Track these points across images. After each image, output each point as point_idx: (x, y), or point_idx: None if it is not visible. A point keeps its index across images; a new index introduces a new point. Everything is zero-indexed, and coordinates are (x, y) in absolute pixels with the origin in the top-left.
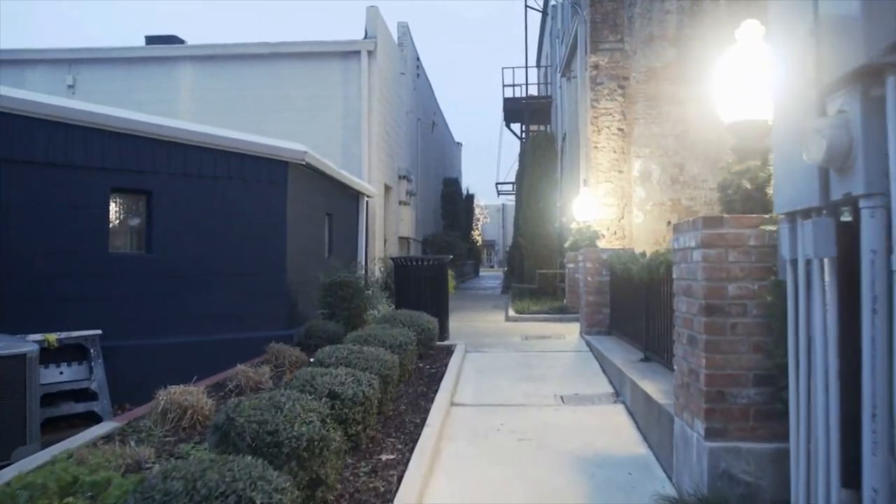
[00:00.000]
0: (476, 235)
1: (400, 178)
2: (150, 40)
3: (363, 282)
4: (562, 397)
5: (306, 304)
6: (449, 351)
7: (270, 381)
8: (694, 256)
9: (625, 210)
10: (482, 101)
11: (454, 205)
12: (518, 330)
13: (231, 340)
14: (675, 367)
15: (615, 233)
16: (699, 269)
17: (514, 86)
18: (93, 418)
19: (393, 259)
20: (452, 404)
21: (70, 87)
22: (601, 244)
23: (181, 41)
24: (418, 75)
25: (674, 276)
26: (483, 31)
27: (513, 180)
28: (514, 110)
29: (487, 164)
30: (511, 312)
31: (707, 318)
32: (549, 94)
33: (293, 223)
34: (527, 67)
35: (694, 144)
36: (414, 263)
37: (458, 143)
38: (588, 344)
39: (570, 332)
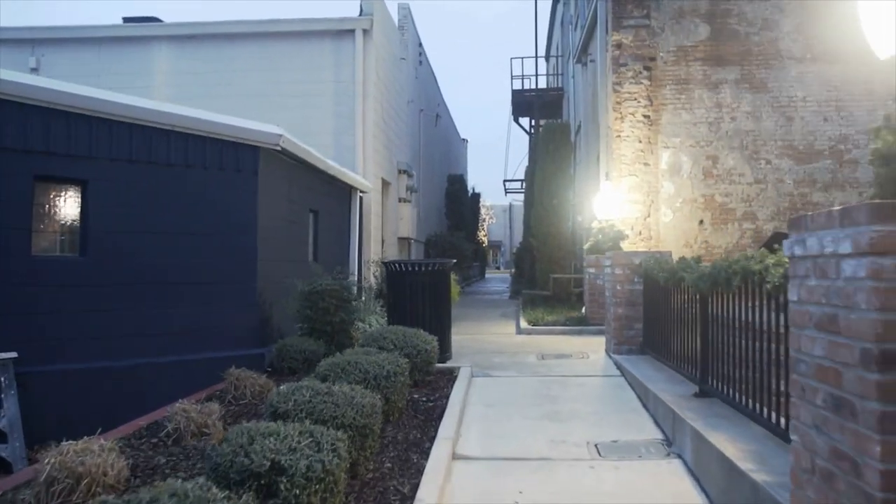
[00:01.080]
0: (482, 236)
1: (400, 172)
2: (128, 21)
3: (354, 290)
4: (597, 446)
5: (283, 317)
6: (451, 376)
7: (220, 422)
8: (847, 269)
9: (651, 207)
10: (488, 102)
11: (459, 203)
12: (532, 346)
13: (187, 363)
14: (796, 439)
15: (640, 233)
16: (863, 292)
17: (522, 77)
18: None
19: (385, 264)
20: (454, 457)
21: (33, 69)
22: (624, 246)
23: (160, 21)
24: (420, 62)
25: (791, 297)
26: (490, 32)
27: (521, 177)
28: (523, 103)
29: (493, 164)
30: (523, 323)
31: (882, 374)
32: (560, 85)
33: (266, 221)
34: (536, 57)
35: (730, 133)
36: (410, 269)
37: (463, 139)
38: (618, 366)
39: (593, 348)
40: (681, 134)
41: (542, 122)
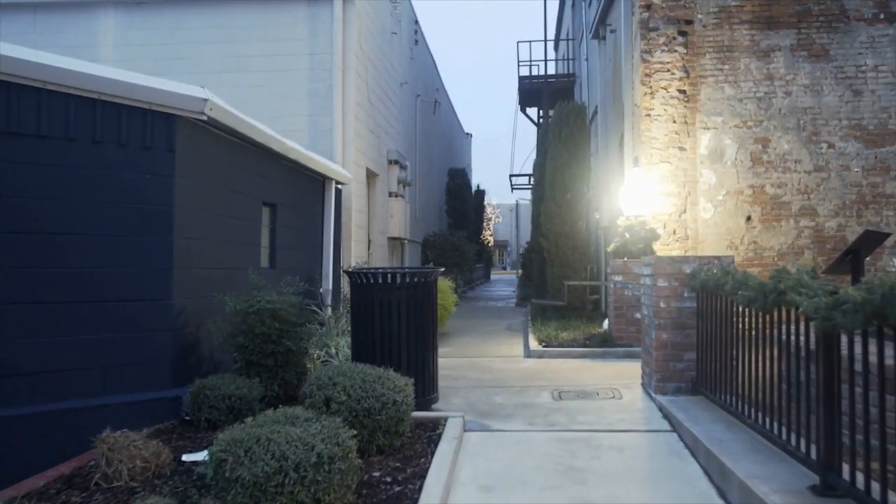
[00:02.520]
0: (488, 235)
1: (390, 163)
2: None
3: (317, 305)
4: None
5: (221, 343)
6: (434, 433)
7: None
8: None
9: (688, 201)
10: (493, 99)
11: (461, 200)
12: (545, 376)
13: (55, 416)
14: None
15: (674, 232)
16: None
17: (530, 63)
18: None
19: (348, 274)
20: None
21: None
22: (656, 248)
23: None
24: (416, 42)
25: None
26: (494, 23)
27: (529, 172)
28: (532, 91)
29: (499, 163)
30: (533, 343)
31: None
32: (571, 71)
33: (190, 215)
34: (545, 40)
35: (783, 111)
36: (380, 282)
37: (467, 134)
38: (666, 414)
39: (624, 381)
40: (724, 112)
41: (552, 111)
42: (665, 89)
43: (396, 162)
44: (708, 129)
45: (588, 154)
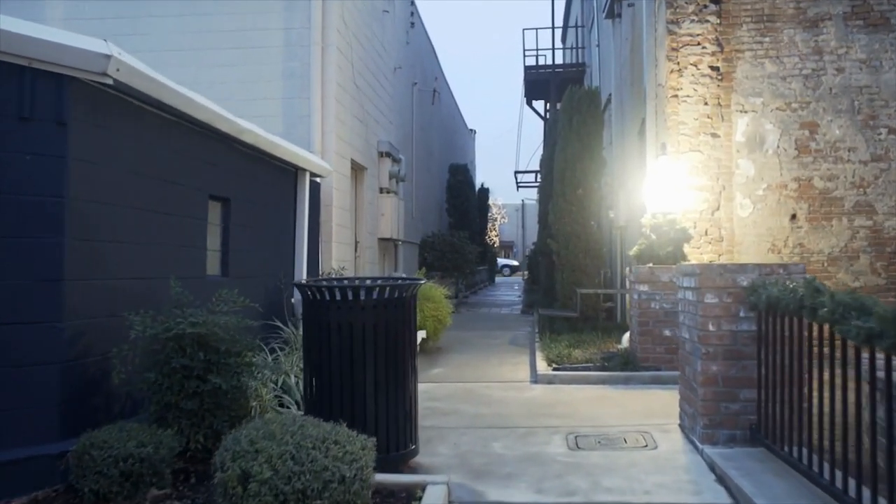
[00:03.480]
0: (493, 236)
1: (381, 155)
2: None
3: (283, 319)
4: None
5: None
6: None
7: None
8: None
9: (722, 196)
10: (498, 97)
11: (463, 198)
12: (557, 410)
13: None
14: None
15: (706, 232)
16: None
17: (537, 53)
18: None
19: (298, 287)
20: None
21: None
22: (687, 252)
23: None
24: (412, 25)
25: None
26: (498, 16)
27: (535, 168)
28: (538, 82)
29: (503, 162)
30: (541, 364)
31: None
32: (581, 60)
33: (92, 210)
34: (553, 28)
35: (835, 90)
36: (339, 300)
37: (471, 130)
38: (721, 479)
39: (656, 419)
40: (764, 92)
41: (560, 104)
42: (695, 66)
43: (388, 154)
44: (745, 112)
45: (601, 145)
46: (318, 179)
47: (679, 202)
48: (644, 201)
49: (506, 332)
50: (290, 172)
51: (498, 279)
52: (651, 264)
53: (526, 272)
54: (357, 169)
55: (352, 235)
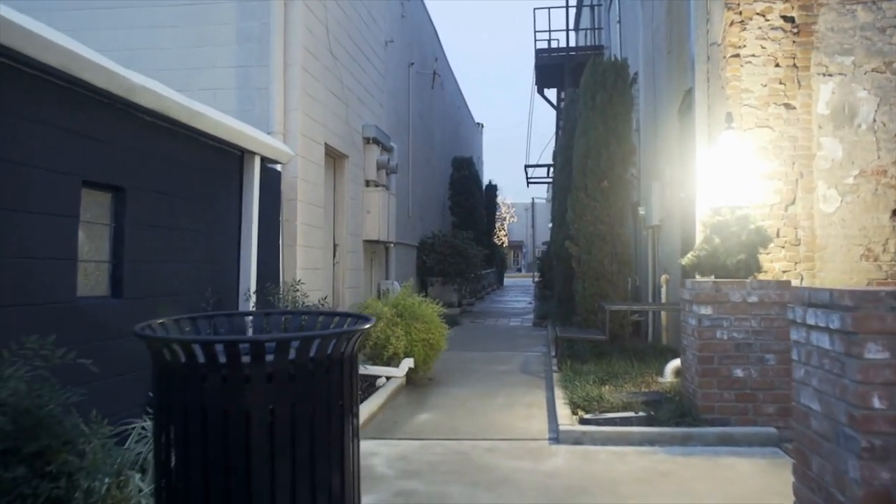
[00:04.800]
0: (502, 236)
1: (368, 141)
2: None
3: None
4: None
5: None
6: None
7: None
8: None
9: (799, 185)
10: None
11: (468, 195)
12: (593, 501)
13: None
14: None
15: (778, 233)
16: None
17: (549, 35)
18: None
19: (139, 336)
20: None
21: None
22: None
23: None
24: None
25: None
26: (502, 20)
27: (547, 162)
28: (551, 67)
29: (512, 160)
30: (563, 412)
31: None
32: (598, 42)
33: None
34: (567, 7)
35: None
36: (207, 368)
37: (478, 123)
38: None
39: None
40: (855, 49)
41: (575, 88)
42: (762, 16)
43: (376, 141)
44: (830, 75)
45: (630, 128)
46: (277, 167)
47: (741, 195)
48: (693, 193)
49: (515, 354)
50: (231, 156)
51: (507, 281)
52: (714, 277)
53: (537, 273)
54: (335, 157)
55: (327, 237)
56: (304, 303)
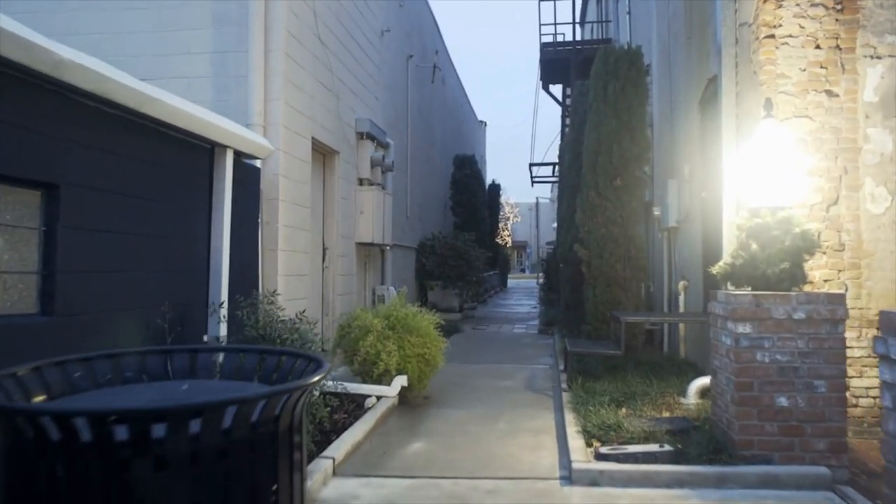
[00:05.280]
0: (505, 236)
1: (361, 137)
2: None
3: None
4: None
5: None
6: None
7: None
8: None
9: (843, 183)
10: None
11: (470, 194)
12: None
13: None
14: None
15: (819, 236)
16: None
17: (555, 29)
18: None
19: None
20: None
21: None
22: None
23: None
24: None
25: None
26: (508, 17)
27: (553, 161)
28: (556, 62)
29: (515, 160)
30: (576, 444)
31: None
32: (607, 36)
33: None
34: None
35: None
36: (62, 448)
37: (481, 121)
38: None
39: None
40: None
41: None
42: None
43: (371, 137)
44: (879, 57)
45: (645, 122)
46: (256, 163)
47: (782, 192)
48: (718, 192)
49: (520, 367)
50: (199, 150)
51: (511, 283)
52: (750, 288)
53: (540, 274)
54: (324, 153)
55: (315, 240)
56: (278, 317)
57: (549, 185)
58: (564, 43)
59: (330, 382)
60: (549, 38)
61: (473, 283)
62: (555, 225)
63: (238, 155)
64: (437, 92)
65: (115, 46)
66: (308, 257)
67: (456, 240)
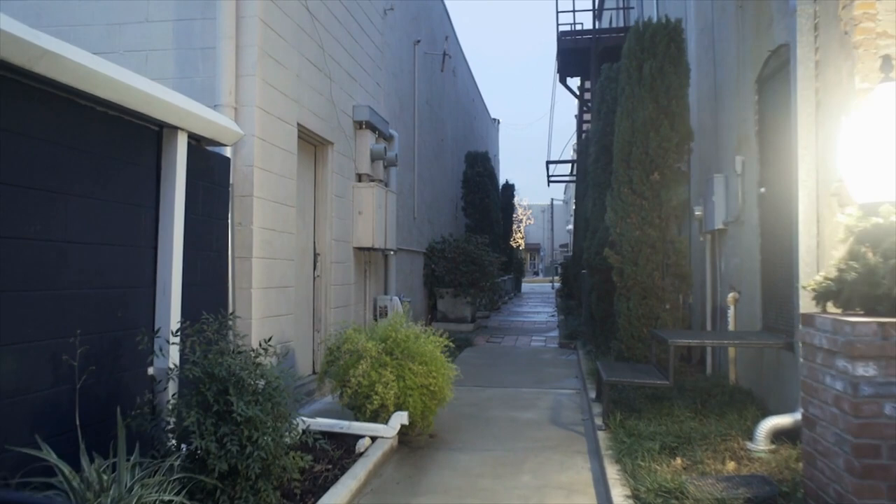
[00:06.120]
0: (518, 238)
1: (360, 126)
2: None
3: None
4: None
5: None
6: None
7: None
8: None
9: None
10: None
11: (483, 194)
12: None
13: None
14: None
15: None
16: None
17: (574, 13)
18: None
19: None
20: None
21: None
22: None
23: None
24: None
25: None
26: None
27: (571, 158)
28: (574, 53)
29: (527, 161)
30: None
31: None
32: (627, 24)
33: None
34: None
35: None
36: None
37: (494, 119)
38: None
39: None
40: None
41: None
42: None
43: (371, 126)
44: None
45: (687, 107)
46: (225, 152)
47: (875, 188)
48: (788, 186)
49: (542, 392)
50: (140, 131)
51: (525, 287)
52: (863, 312)
53: (556, 278)
54: (315, 143)
55: (305, 244)
56: (236, 348)
57: (563, 185)
58: (583, 31)
59: (313, 420)
60: (567, 28)
61: (487, 291)
62: (569, 227)
63: (198, 141)
64: (447, 83)
65: (64, 14)
66: (293, 265)
67: (468, 243)
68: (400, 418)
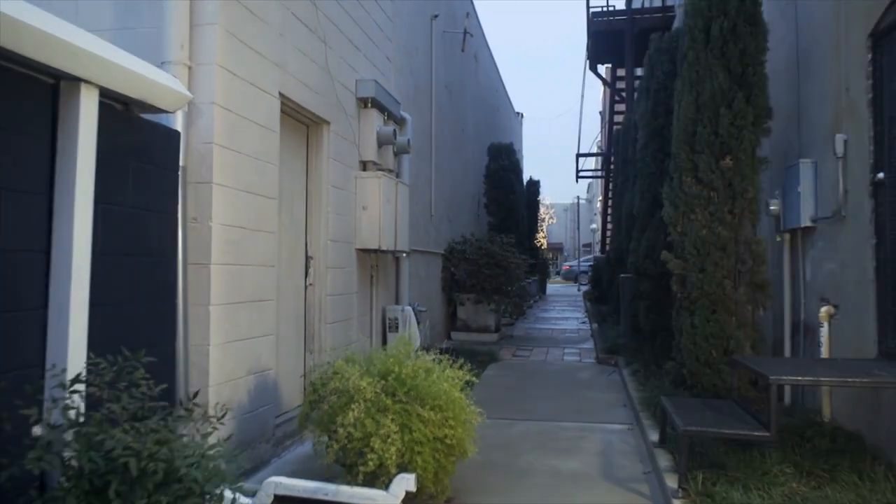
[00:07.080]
0: (541, 237)
1: (365, 104)
2: None
3: None
4: None
5: None
6: None
7: None
8: None
9: None
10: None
11: (508, 190)
12: None
13: None
14: None
15: None
16: None
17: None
18: None
19: None
20: None
21: None
22: None
23: None
24: None
25: None
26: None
27: (597, 151)
28: (607, 35)
29: (548, 157)
30: None
31: None
32: (668, 3)
33: None
34: None
35: None
36: None
37: (518, 113)
38: None
39: None
40: None
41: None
42: None
43: (378, 106)
44: None
45: (765, 76)
46: (175, 124)
47: None
48: None
49: (585, 428)
50: (29, 83)
51: (550, 288)
52: None
53: (589, 283)
54: (307, 121)
55: (291, 246)
56: (146, 401)
57: (589, 182)
58: (618, 12)
59: (290, 481)
60: (599, 10)
61: (513, 297)
62: (593, 226)
63: (125, 105)
64: (468, 67)
65: None
66: (271, 273)
67: (492, 243)
68: (404, 483)
